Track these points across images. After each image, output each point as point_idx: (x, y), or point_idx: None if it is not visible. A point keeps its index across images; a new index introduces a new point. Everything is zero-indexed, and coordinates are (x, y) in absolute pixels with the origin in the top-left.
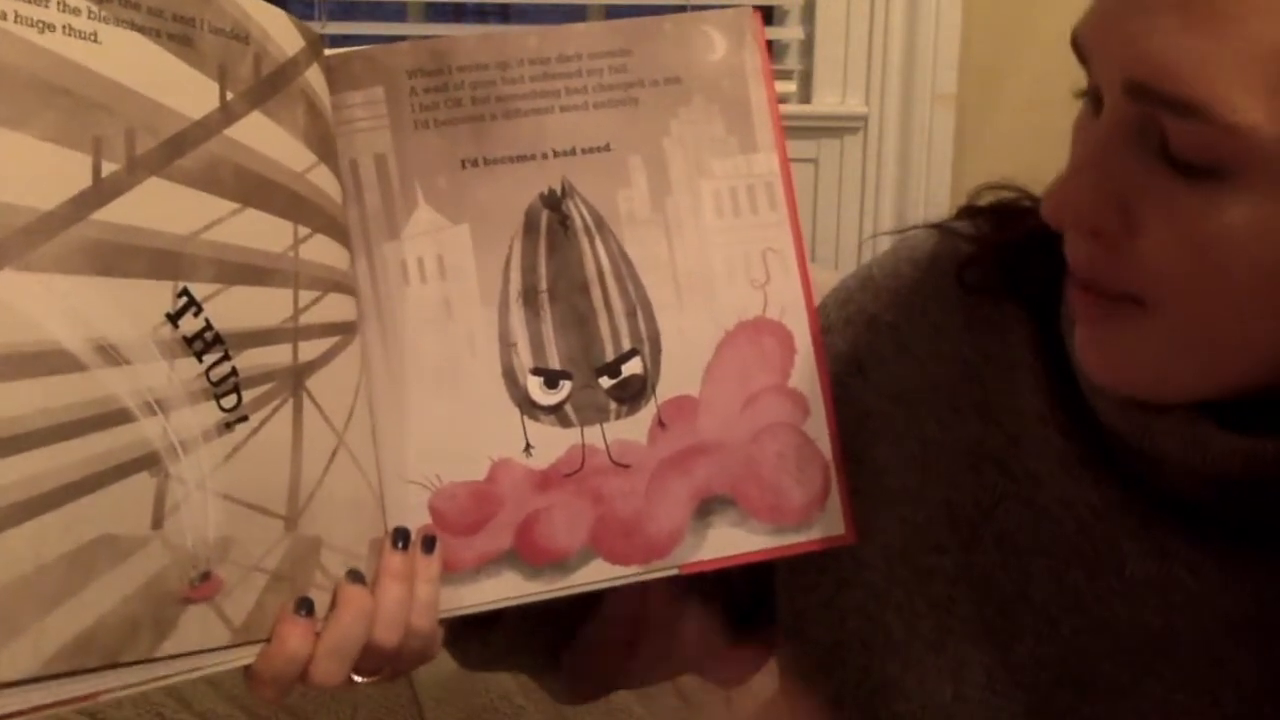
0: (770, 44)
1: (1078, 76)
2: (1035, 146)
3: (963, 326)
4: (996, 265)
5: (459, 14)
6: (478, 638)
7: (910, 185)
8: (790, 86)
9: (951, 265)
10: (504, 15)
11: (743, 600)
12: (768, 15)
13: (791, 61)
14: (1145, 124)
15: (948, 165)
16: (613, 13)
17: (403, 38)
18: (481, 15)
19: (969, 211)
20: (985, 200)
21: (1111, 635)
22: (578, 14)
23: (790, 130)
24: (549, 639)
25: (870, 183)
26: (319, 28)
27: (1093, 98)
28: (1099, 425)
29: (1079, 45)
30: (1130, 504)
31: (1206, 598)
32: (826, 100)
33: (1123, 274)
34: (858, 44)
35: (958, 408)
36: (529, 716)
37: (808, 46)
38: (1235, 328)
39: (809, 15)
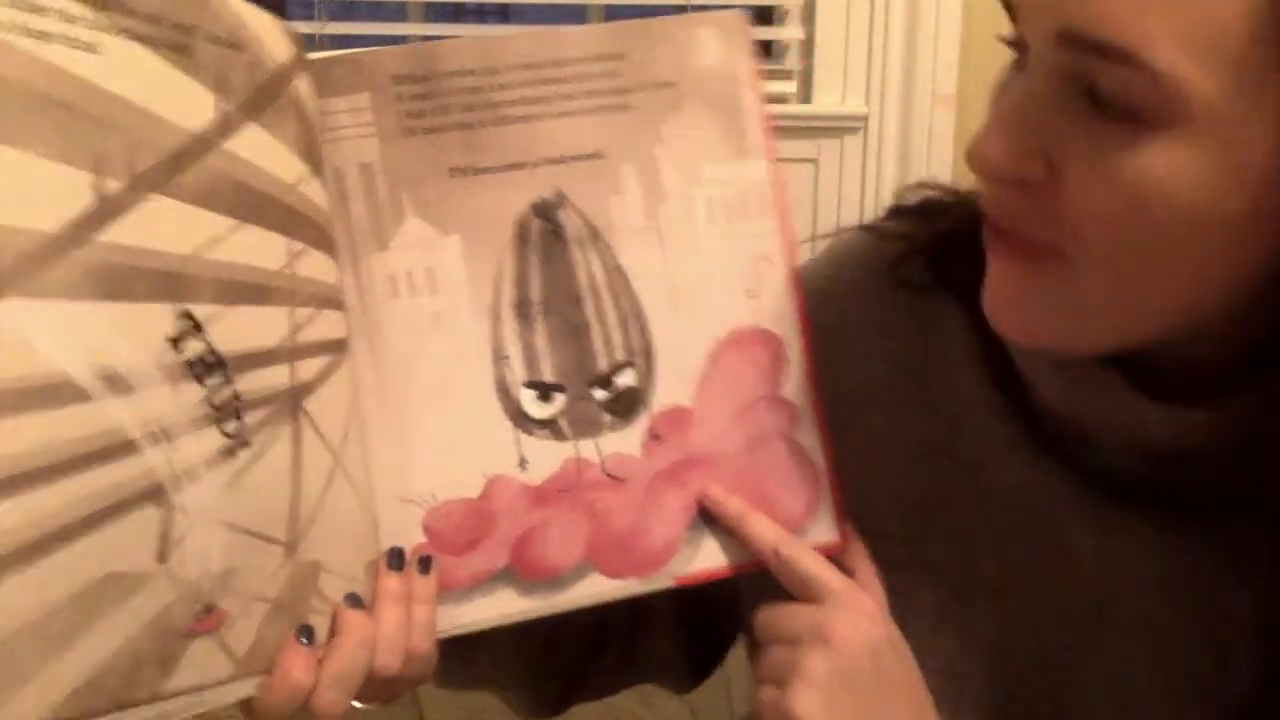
0: (770, 44)
1: None
2: None
3: (900, 324)
4: (929, 260)
5: (459, 14)
6: (458, 658)
7: None
8: (790, 86)
9: (885, 265)
10: (503, 15)
11: (697, 611)
12: (767, 15)
13: (791, 61)
14: (1073, 74)
15: (948, 165)
16: (611, 13)
17: (403, 38)
18: (481, 15)
19: (897, 212)
20: (912, 200)
21: (1059, 607)
22: (577, 14)
23: (790, 130)
24: (531, 657)
25: (870, 183)
26: (319, 28)
27: (1018, 53)
28: (1036, 407)
29: None
30: (1070, 480)
31: (1144, 565)
32: (826, 100)
33: (1046, 222)
34: (858, 44)
35: (900, 403)
36: None
37: (808, 46)
38: (1152, 280)
39: (809, 15)
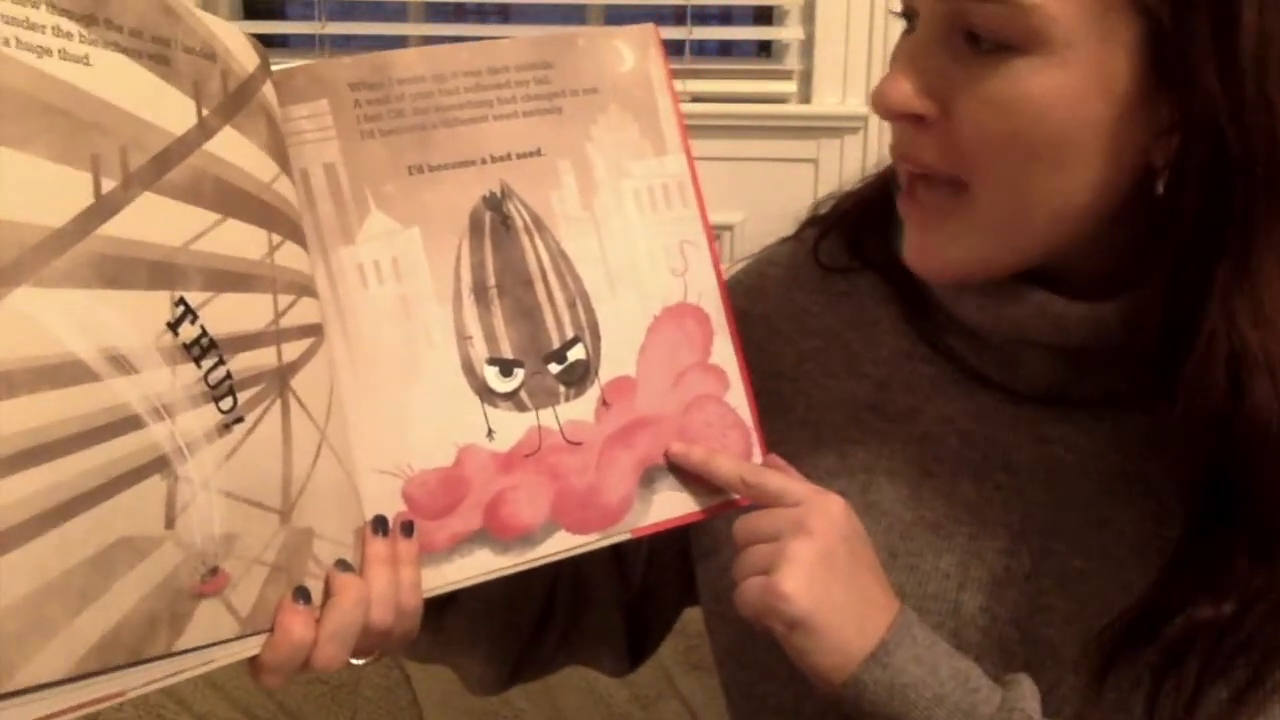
0: (770, 44)
1: None
2: None
3: (824, 304)
4: (845, 242)
5: (459, 14)
6: (432, 624)
7: None
8: (790, 86)
9: (807, 258)
10: (504, 15)
11: (635, 595)
12: (767, 15)
13: (791, 61)
14: (952, 19)
15: None
16: (611, 13)
17: (403, 38)
18: (481, 15)
19: (811, 222)
20: (823, 209)
21: (1005, 529)
22: (577, 14)
23: (790, 130)
24: (495, 624)
25: None
26: (319, 28)
27: (907, 20)
28: (958, 346)
29: None
30: (1001, 404)
31: (1084, 468)
32: (826, 100)
33: (944, 153)
34: (858, 44)
35: (832, 372)
36: (529, 718)
37: (808, 46)
38: (1041, 193)
39: (809, 15)
